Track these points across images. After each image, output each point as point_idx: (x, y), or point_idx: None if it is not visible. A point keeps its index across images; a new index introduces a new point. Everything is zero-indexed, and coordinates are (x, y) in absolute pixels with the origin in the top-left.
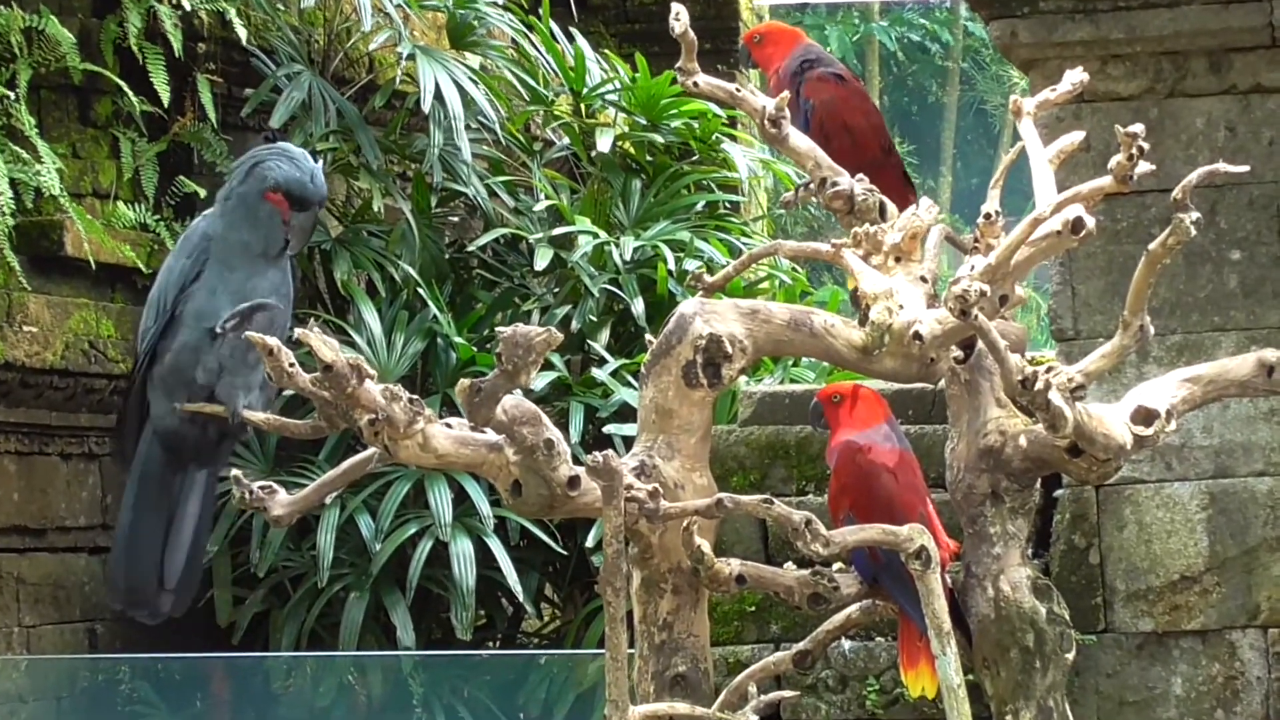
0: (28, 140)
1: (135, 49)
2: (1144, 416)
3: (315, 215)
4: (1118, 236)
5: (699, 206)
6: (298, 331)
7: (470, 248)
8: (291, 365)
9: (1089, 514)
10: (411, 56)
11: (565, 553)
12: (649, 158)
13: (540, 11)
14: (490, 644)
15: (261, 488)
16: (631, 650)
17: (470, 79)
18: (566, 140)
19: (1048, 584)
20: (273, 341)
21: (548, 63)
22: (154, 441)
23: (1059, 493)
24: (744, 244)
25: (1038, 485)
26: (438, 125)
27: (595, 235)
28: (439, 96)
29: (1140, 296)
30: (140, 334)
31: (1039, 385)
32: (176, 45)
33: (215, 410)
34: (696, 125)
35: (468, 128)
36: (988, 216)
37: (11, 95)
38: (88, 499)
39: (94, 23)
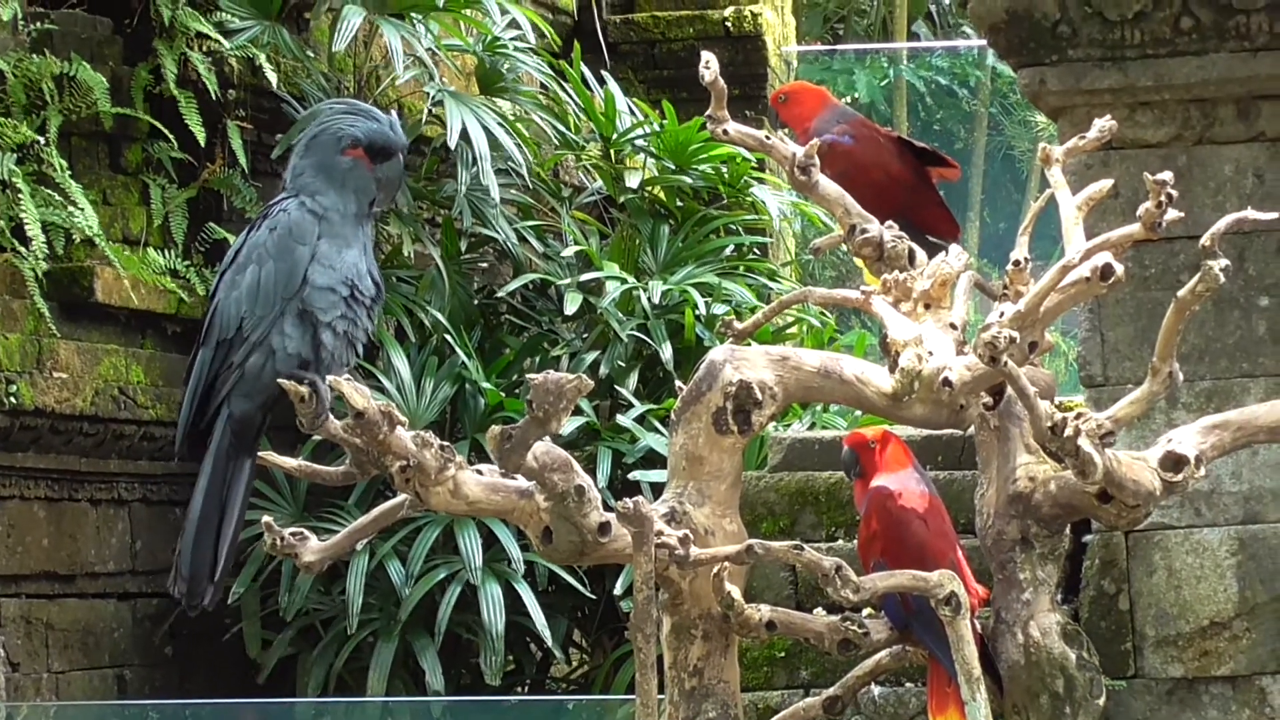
0: (59, 186)
1: (174, 92)
2: (1173, 462)
3: (400, 166)
4: (1147, 283)
5: (727, 250)
6: (329, 378)
7: (499, 293)
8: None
9: (1118, 560)
10: (440, 101)
11: (594, 598)
12: (678, 203)
13: (571, 57)
14: (519, 689)
15: (293, 533)
16: (662, 696)
17: (499, 123)
18: (598, 183)
19: (1077, 629)
20: (304, 389)
21: (577, 107)
22: (226, 430)
23: (1088, 538)
24: (772, 288)
25: (1067, 531)
26: (465, 168)
27: (624, 280)
28: (465, 139)
29: (1169, 343)
30: (229, 319)
31: (1068, 431)
32: (213, 87)
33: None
34: (725, 170)
35: (497, 172)
36: (1017, 263)
37: (42, 140)
38: (117, 545)
39: (125, 70)
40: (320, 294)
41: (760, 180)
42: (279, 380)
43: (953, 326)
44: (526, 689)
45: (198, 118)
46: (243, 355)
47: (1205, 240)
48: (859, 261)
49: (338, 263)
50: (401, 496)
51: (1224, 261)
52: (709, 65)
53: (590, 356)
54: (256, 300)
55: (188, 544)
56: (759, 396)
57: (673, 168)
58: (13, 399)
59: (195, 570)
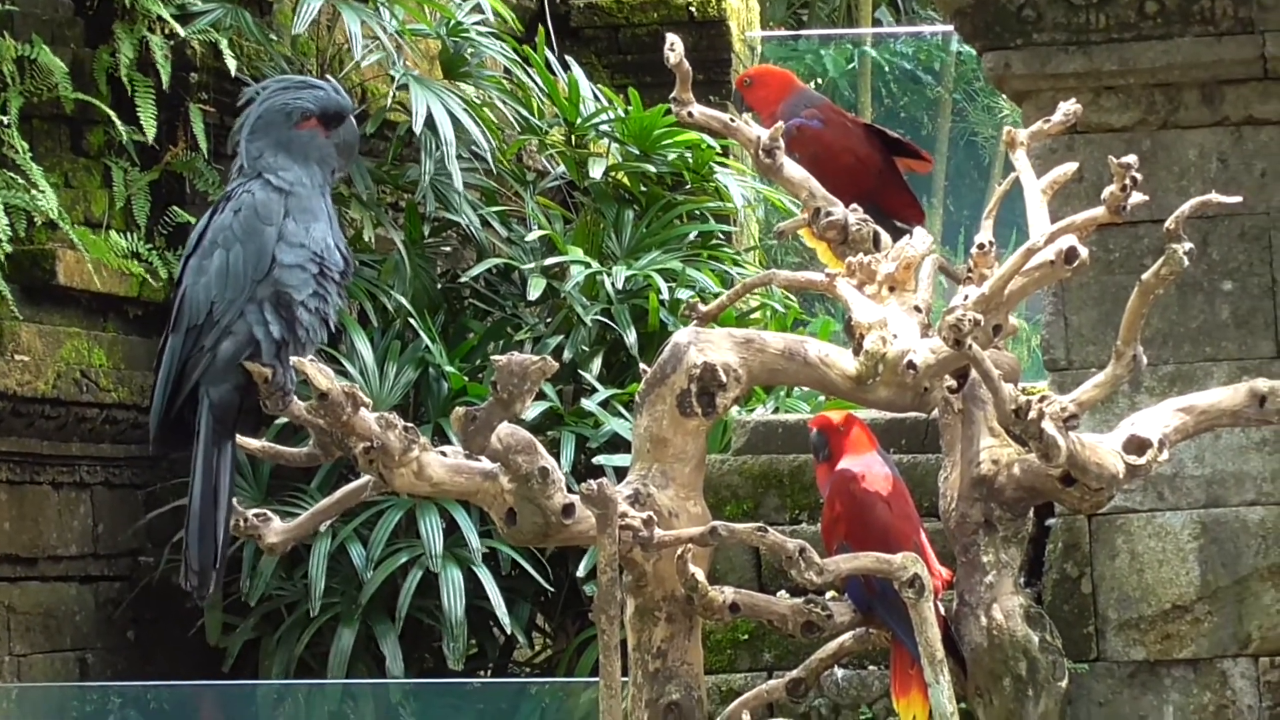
0: (20, 169)
1: (125, 80)
2: (1136, 446)
3: (354, 127)
4: (1110, 267)
5: (691, 236)
6: (293, 360)
7: (463, 278)
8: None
9: (1081, 543)
10: (404, 85)
11: (555, 584)
12: (642, 188)
13: (535, 41)
14: (482, 673)
15: (256, 515)
16: (625, 678)
17: (463, 108)
18: (561, 169)
19: (1040, 612)
20: (268, 370)
21: (541, 92)
22: (209, 419)
23: (1051, 522)
24: (736, 273)
25: (1030, 514)
26: (429, 154)
27: (588, 265)
28: (430, 124)
29: (1133, 327)
30: (198, 305)
31: (1032, 415)
32: (165, 76)
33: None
34: (690, 155)
35: (459, 157)
36: (981, 247)
37: (4, 120)
38: (79, 528)
39: (86, 52)
40: (290, 272)
41: (724, 166)
42: (243, 363)
43: (917, 310)
44: (489, 672)
45: (151, 106)
46: (214, 339)
47: (1169, 224)
48: (819, 249)
49: (305, 239)
50: (365, 478)
51: (1188, 245)
52: (674, 48)
53: (554, 341)
54: (226, 284)
55: (193, 537)
56: (723, 379)
57: (637, 153)
58: None
59: (203, 562)
